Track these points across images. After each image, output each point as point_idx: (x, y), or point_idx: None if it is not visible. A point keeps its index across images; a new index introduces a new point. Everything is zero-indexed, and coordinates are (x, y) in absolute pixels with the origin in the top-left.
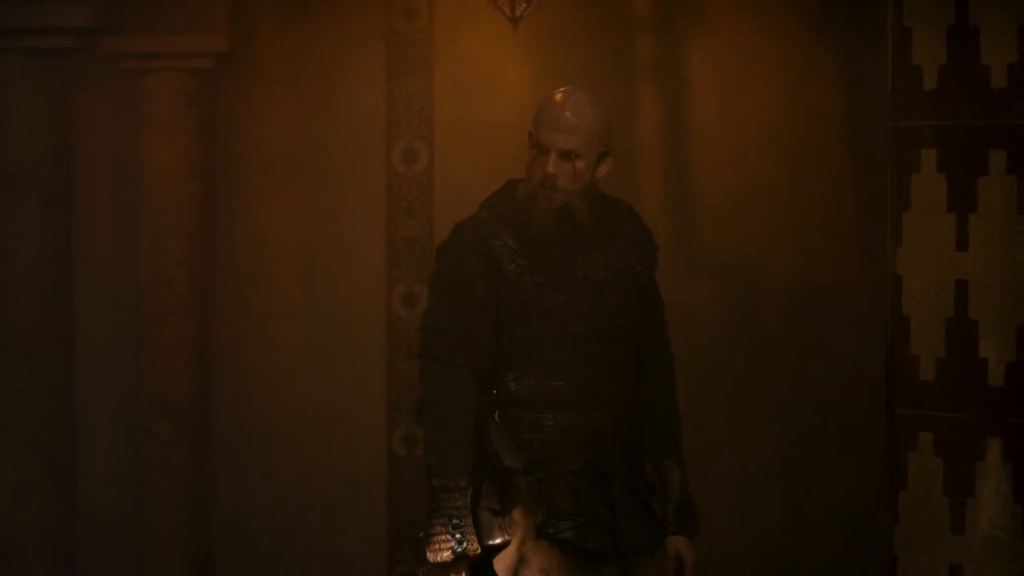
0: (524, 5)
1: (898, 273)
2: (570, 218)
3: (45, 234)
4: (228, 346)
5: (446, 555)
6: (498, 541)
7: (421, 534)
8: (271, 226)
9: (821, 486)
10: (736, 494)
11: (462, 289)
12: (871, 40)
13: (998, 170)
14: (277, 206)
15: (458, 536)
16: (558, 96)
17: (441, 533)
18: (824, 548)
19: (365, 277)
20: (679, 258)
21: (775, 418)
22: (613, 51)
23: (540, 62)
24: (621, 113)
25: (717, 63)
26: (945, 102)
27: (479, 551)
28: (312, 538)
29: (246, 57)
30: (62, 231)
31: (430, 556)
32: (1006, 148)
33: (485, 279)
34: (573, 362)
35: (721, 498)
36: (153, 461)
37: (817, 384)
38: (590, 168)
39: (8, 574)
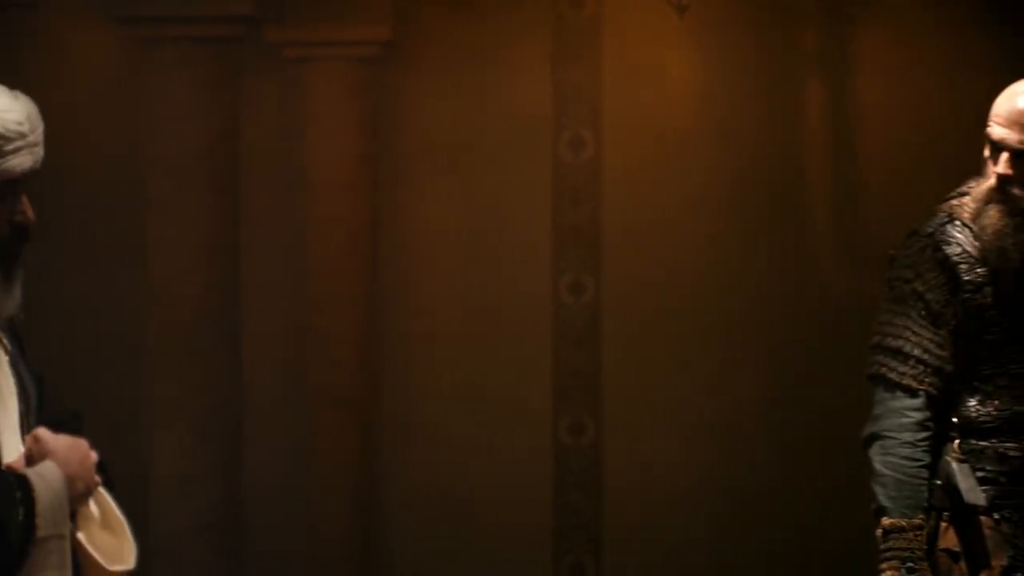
0: None
1: None
2: None
3: (211, 223)
4: (393, 333)
5: None
6: None
7: None
8: (435, 214)
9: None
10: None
11: (917, 302)
12: None
13: None
14: (441, 194)
15: None
16: (1015, 87)
17: None
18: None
19: (530, 265)
20: (842, 244)
21: None
22: (780, 40)
23: (708, 51)
24: (788, 100)
25: (883, 53)
26: None
27: None
28: (478, 526)
29: (410, 46)
30: (228, 219)
31: None
32: None
33: (942, 291)
34: None
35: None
36: (320, 449)
37: None
38: None
39: (174, 562)
